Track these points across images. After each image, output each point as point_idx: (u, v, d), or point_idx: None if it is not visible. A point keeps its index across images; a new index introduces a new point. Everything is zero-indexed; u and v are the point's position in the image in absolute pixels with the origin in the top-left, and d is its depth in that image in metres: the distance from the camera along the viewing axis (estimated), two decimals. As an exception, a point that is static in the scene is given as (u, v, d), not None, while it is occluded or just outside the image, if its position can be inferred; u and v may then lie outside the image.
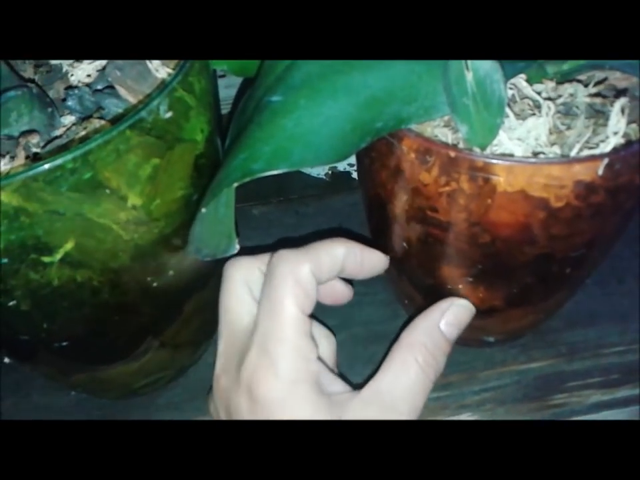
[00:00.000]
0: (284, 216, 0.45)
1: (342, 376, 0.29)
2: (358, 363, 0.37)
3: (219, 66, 0.29)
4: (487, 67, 0.22)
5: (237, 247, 0.26)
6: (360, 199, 0.34)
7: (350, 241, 0.28)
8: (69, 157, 0.21)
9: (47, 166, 0.21)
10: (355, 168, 0.48)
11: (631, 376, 0.36)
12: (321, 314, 0.39)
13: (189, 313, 0.32)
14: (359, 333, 0.39)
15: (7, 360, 0.35)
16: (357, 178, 0.47)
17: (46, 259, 0.23)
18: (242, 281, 0.28)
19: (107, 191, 0.23)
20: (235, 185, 0.21)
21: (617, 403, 0.35)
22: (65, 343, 0.28)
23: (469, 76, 0.22)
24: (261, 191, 0.47)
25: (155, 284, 0.28)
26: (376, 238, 0.35)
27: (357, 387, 0.27)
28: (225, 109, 0.49)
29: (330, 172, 0.48)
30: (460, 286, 0.30)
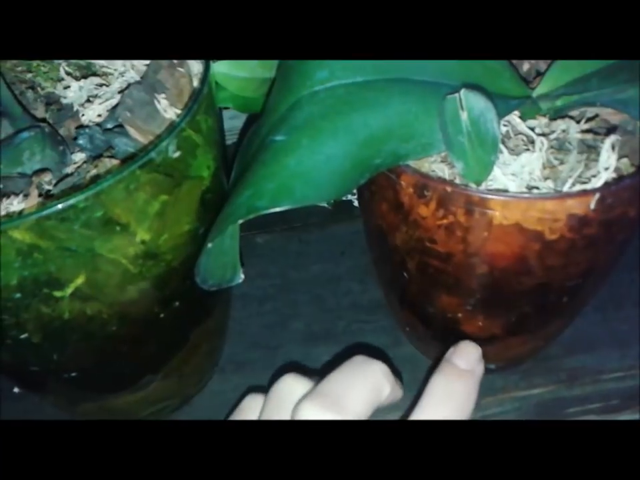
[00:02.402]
0: (287, 244, 0.46)
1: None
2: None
3: (225, 104, 0.31)
4: (481, 106, 0.23)
5: (242, 276, 0.27)
6: (362, 226, 0.35)
7: (389, 381, 0.26)
8: (81, 196, 0.22)
9: (60, 205, 0.21)
10: (356, 196, 0.49)
11: (630, 401, 0.36)
12: (323, 342, 0.40)
13: (194, 342, 0.32)
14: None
15: (16, 389, 0.36)
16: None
17: (57, 294, 0.24)
18: None
19: (117, 227, 0.24)
20: (240, 221, 0.22)
21: (617, 428, 0.35)
22: (73, 374, 0.29)
23: (464, 115, 0.23)
24: (265, 220, 0.47)
25: (161, 315, 0.28)
26: (377, 267, 0.36)
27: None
28: (231, 140, 0.50)
29: (332, 200, 0.49)
30: (459, 314, 0.31)
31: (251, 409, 0.27)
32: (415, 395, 0.27)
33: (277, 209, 0.22)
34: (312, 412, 0.24)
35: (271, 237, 0.47)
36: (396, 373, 0.28)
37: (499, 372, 0.37)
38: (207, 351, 0.35)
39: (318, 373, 0.28)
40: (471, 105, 0.23)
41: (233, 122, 0.49)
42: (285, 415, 0.25)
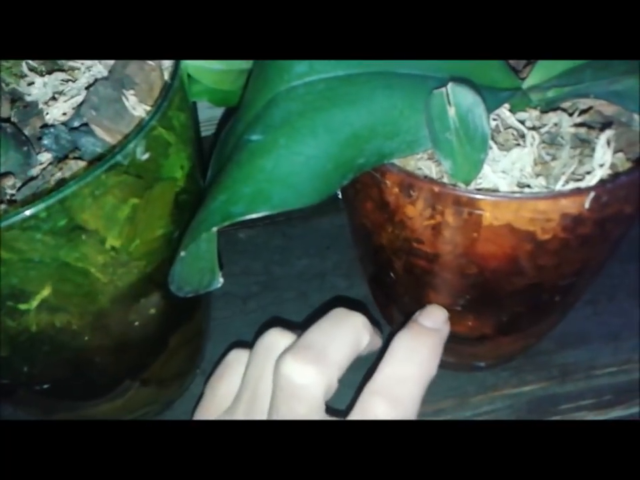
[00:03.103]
0: (271, 238, 0.45)
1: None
2: (345, 387, 0.36)
3: (199, 98, 0.29)
4: (470, 102, 0.22)
5: (221, 280, 0.25)
6: (347, 221, 0.34)
7: (369, 330, 0.27)
8: (42, 205, 0.20)
9: (19, 216, 0.20)
10: (340, 193, 0.48)
11: (623, 396, 0.35)
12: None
13: (173, 347, 0.31)
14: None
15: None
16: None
17: (22, 307, 0.23)
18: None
19: (84, 235, 0.22)
20: (215, 229, 0.21)
21: (610, 423, 0.34)
22: (46, 385, 0.27)
23: (451, 111, 0.21)
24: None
25: (136, 323, 0.27)
26: (363, 264, 0.35)
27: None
28: (209, 131, 0.48)
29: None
30: (449, 315, 0.30)
31: (236, 363, 0.29)
32: (380, 351, 0.27)
33: (254, 216, 0.21)
34: (293, 365, 0.25)
35: (254, 232, 0.45)
36: (375, 323, 0.29)
37: (490, 369, 0.36)
38: (188, 354, 0.34)
39: (302, 327, 0.27)
40: (459, 100, 0.21)
41: (212, 111, 0.47)
42: (269, 369, 0.26)
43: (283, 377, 0.25)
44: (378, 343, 0.30)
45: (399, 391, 0.25)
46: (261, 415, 0.26)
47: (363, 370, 0.35)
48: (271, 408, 0.26)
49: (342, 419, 0.26)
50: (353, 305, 0.29)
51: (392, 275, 0.30)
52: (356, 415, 0.25)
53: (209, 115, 0.48)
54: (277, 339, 0.27)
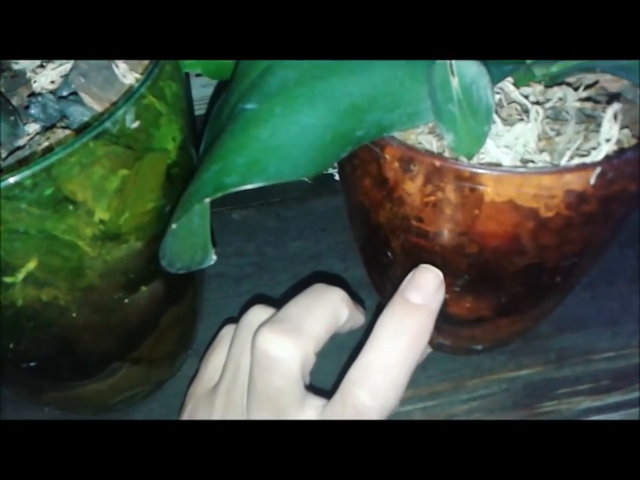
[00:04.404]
0: (265, 220, 0.44)
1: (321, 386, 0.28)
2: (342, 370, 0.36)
3: (192, 68, 0.28)
4: (474, 72, 0.21)
5: (214, 257, 0.24)
6: (343, 201, 0.33)
7: (348, 305, 0.27)
8: (27, 172, 0.19)
9: (4, 184, 0.19)
10: (337, 170, 0.47)
11: (621, 382, 0.35)
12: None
13: (164, 326, 0.30)
14: (343, 341, 0.38)
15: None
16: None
17: (8, 280, 0.22)
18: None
19: (71, 206, 0.21)
20: (207, 200, 0.20)
21: (607, 409, 0.34)
22: (33, 363, 0.27)
23: (455, 81, 0.21)
24: (241, 195, 0.45)
25: (126, 300, 0.26)
26: (359, 245, 0.34)
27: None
28: (202, 109, 0.47)
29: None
30: (447, 296, 0.29)
31: (227, 338, 0.29)
32: (366, 330, 0.27)
33: (248, 186, 0.20)
34: (269, 336, 0.25)
35: (248, 213, 0.44)
36: (357, 299, 0.29)
37: (486, 353, 0.36)
38: (179, 334, 0.33)
39: (283, 303, 0.27)
40: (463, 71, 0.21)
41: (205, 90, 0.46)
42: (250, 342, 0.26)
43: (258, 349, 0.25)
44: (360, 319, 0.29)
45: (380, 380, 0.24)
46: (241, 390, 0.26)
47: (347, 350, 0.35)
48: (249, 382, 0.25)
49: (324, 399, 0.26)
50: (334, 280, 0.28)
51: (389, 254, 0.29)
52: (336, 404, 0.24)
53: (202, 93, 0.47)
54: (259, 315, 0.27)
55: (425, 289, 0.25)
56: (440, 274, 0.25)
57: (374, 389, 0.24)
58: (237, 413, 0.26)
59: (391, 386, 0.24)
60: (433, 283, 0.25)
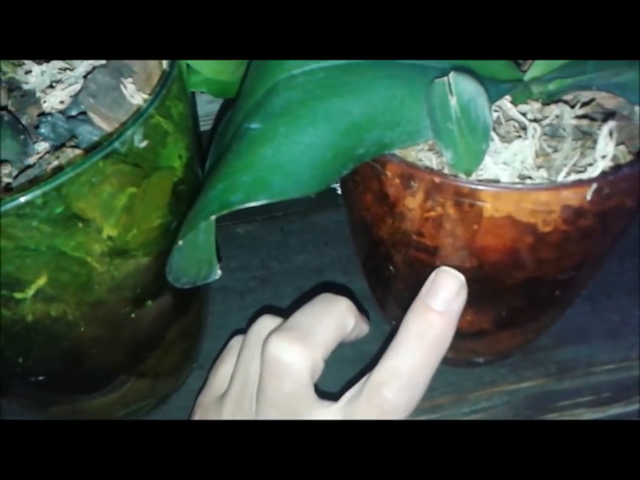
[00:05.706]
0: (269, 234, 0.45)
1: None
2: (345, 383, 0.36)
3: (198, 88, 0.29)
4: (471, 91, 0.21)
5: (219, 272, 0.25)
6: (346, 215, 0.34)
7: (354, 314, 0.28)
8: (38, 192, 0.20)
9: (15, 203, 0.20)
10: (339, 185, 0.48)
11: (622, 394, 0.35)
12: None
13: (170, 340, 0.31)
14: (346, 353, 0.38)
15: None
16: (342, 194, 0.46)
17: (18, 295, 0.22)
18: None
19: (81, 223, 0.22)
20: (213, 217, 0.21)
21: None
22: (41, 377, 0.27)
23: (453, 100, 0.21)
24: (245, 209, 0.46)
25: (133, 315, 0.27)
26: (361, 259, 0.35)
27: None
28: (207, 125, 0.48)
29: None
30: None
31: (236, 348, 0.30)
32: (387, 336, 0.27)
33: (253, 204, 0.21)
34: (279, 343, 0.25)
35: (252, 227, 0.45)
36: (362, 309, 0.30)
37: (488, 365, 0.36)
38: (185, 348, 0.34)
39: (290, 313, 0.28)
40: (461, 90, 0.21)
41: (210, 106, 0.47)
42: (259, 352, 0.27)
43: (269, 355, 0.25)
44: (365, 329, 0.30)
45: (406, 381, 0.25)
46: (250, 396, 0.27)
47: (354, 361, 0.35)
48: (259, 388, 0.26)
49: (332, 402, 0.26)
50: (340, 290, 0.29)
51: (391, 268, 0.29)
52: (361, 404, 0.25)
53: (208, 109, 0.48)
54: (267, 324, 0.28)
55: (445, 294, 0.25)
56: (461, 277, 0.25)
57: (400, 390, 0.25)
58: (245, 419, 0.27)
59: (415, 388, 0.25)
60: (454, 287, 0.25)
